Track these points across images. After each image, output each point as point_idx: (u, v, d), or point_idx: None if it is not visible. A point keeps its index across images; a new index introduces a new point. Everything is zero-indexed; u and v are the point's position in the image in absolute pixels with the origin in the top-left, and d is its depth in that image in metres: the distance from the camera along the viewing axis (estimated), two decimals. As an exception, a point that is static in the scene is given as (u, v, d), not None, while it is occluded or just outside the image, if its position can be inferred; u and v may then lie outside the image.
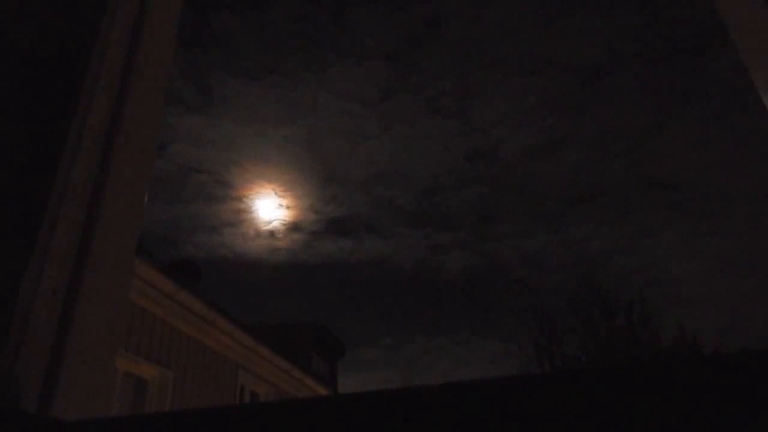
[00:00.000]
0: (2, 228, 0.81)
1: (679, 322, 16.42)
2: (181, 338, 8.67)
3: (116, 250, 0.88)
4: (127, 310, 7.28)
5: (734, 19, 1.09)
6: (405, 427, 0.48)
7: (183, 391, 8.46)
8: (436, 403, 0.49)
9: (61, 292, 0.78)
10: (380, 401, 0.50)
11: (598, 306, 16.62)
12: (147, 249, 7.77)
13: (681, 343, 15.70)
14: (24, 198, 0.83)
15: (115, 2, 1.01)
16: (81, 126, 0.88)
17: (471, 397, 0.48)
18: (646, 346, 15.84)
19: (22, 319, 0.73)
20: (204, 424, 0.55)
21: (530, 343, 17.04)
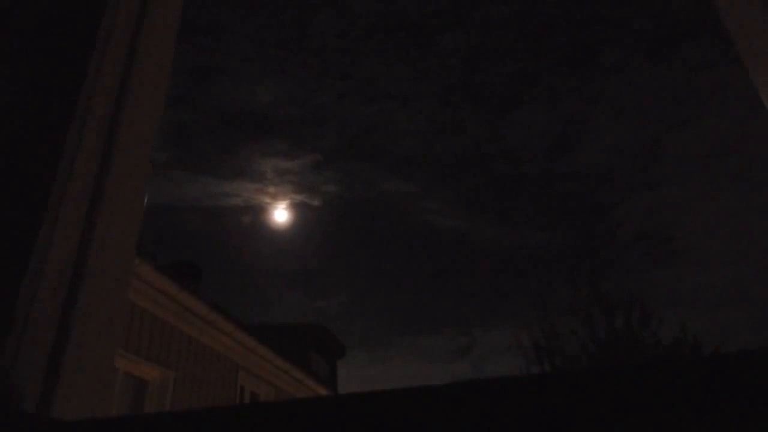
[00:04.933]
0: (2, 228, 0.81)
1: (680, 322, 16.41)
2: (181, 338, 8.67)
3: (116, 250, 0.88)
4: (127, 310, 7.29)
5: (734, 19, 1.09)
6: (405, 427, 0.48)
7: (183, 391, 8.46)
8: (436, 403, 0.49)
9: (61, 292, 0.78)
10: (380, 401, 0.50)
11: (598, 306, 16.61)
12: (147, 249, 7.76)
13: (681, 343, 15.69)
14: (24, 198, 0.83)
15: (115, 2, 1.01)
16: (81, 126, 0.88)
17: (471, 397, 0.48)
18: (646, 346, 15.83)
19: (22, 319, 0.73)
20: (204, 424, 0.55)
21: (531, 344, 17.04)
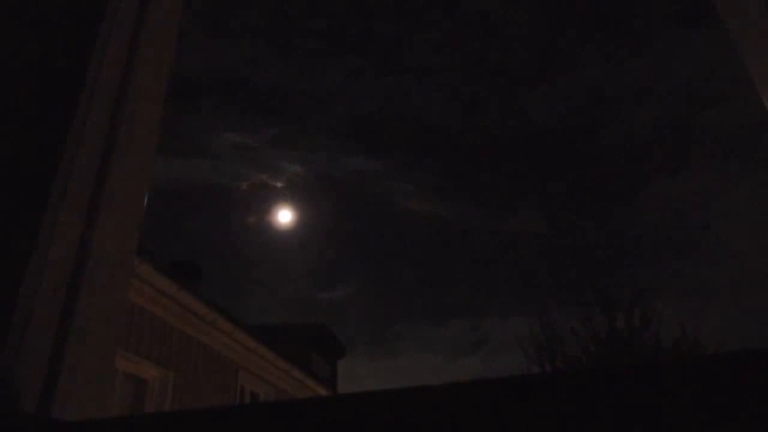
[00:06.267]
0: (2, 228, 0.81)
1: (680, 322, 16.39)
2: (181, 338, 8.67)
3: (116, 250, 0.88)
4: (127, 310, 7.29)
5: (734, 19, 1.09)
6: (405, 428, 0.48)
7: (183, 391, 8.46)
8: (436, 403, 0.49)
9: (61, 292, 0.78)
10: (380, 401, 0.50)
11: (598, 306, 16.62)
12: (147, 249, 7.77)
13: (681, 343, 15.69)
14: (24, 198, 0.83)
15: (115, 3, 1.01)
16: (81, 126, 0.88)
17: (471, 397, 0.48)
18: (646, 346, 15.83)
19: (22, 319, 0.73)
20: (204, 424, 0.55)
21: (531, 344, 17.04)
